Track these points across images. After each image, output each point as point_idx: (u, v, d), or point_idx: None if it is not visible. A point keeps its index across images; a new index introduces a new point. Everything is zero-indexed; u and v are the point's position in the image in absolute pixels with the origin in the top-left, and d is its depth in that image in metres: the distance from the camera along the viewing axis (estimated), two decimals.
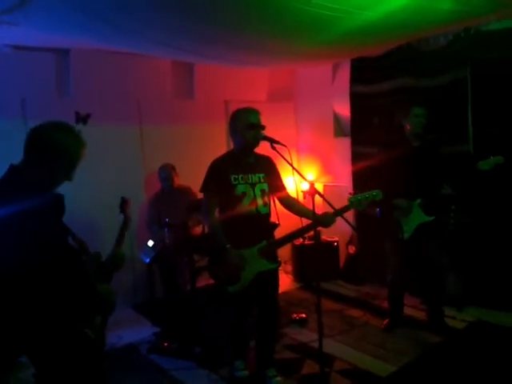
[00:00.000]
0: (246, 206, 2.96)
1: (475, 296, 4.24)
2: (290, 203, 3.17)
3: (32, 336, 1.85)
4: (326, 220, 2.85)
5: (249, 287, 2.99)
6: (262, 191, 3.03)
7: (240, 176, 2.98)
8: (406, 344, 3.68)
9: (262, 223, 3.04)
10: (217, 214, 3.05)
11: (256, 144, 3.00)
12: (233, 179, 2.96)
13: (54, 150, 1.90)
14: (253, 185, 3.00)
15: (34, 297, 1.78)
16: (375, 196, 2.86)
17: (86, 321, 1.97)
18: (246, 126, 2.94)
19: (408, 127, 3.74)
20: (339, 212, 2.85)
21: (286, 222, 3.17)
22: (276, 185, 3.14)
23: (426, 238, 3.72)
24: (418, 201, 3.65)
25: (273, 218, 3.14)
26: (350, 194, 2.95)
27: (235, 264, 2.90)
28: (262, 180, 3.05)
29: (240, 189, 2.96)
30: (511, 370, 3.15)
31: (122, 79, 4.70)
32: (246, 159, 3.05)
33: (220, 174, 2.99)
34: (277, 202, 3.19)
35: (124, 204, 2.66)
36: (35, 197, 1.81)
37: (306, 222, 3.05)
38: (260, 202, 3.01)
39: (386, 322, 4.03)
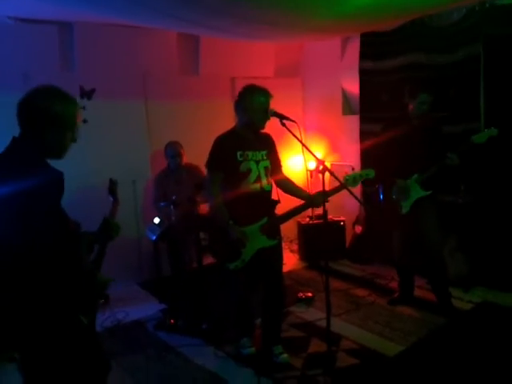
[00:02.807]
0: (251, 183, 2.96)
1: (482, 277, 4.22)
2: (284, 184, 3.19)
3: (22, 328, 1.76)
4: (317, 200, 2.88)
5: (250, 264, 3.00)
6: (266, 168, 3.05)
7: (245, 153, 2.98)
8: (412, 324, 3.67)
9: (264, 200, 3.05)
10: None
11: (263, 127, 3.04)
12: (238, 156, 2.96)
13: (51, 119, 1.80)
14: (257, 162, 3.01)
15: (22, 284, 1.69)
16: (368, 174, 2.99)
17: (82, 309, 1.90)
18: (255, 108, 2.93)
19: (411, 108, 3.70)
20: (332, 192, 2.89)
21: (286, 198, 3.19)
22: (274, 165, 3.15)
23: (424, 215, 3.73)
24: (415, 176, 3.66)
25: (273, 195, 3.14)
26: (346, 173, 3.04)
27: (237, 240, 2.91)
28: (265, 157, 3.06)
29: (245, 165, 2.96)
30: None
31: (126, 53, 4.61)
32: (249, 136, 3.04)
33: (225, 150, 2.98)
34: None
35: (113, 186, 2.47)
36: (35, 173, 1.72)
37: None
38: (264, 179, 3.02)
39: (394, 295, 4.09)
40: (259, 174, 2.99)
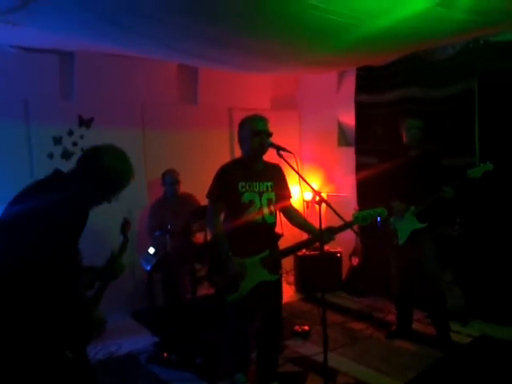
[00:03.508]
0: (252, 215, 2.91)
1: (480, 310, 4.18)
2: (291, 215, 3.14)
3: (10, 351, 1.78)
4: (324, 237, 2.82)
5: (249, 297, 2.93)
6: (269, 200, 2.98)
7: (248, 184, 2.93)
8: (410, 358, 3.60)
9: (266, 233, 2.99)
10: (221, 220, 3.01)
11: (263, 151, 2.95)
12: (240, 187, 2.91)
13: (105, 172, 1.95)
14: (260, 193, 2.96)
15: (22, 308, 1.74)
16: (380, 213, 2.89)
17: (69, 343, 1.89)
18: (252, 133, 2.90)
19: (404, 138, 3.77)
20: (340, 229, 2.85)
21: (290, 231, 3.13)
22: (282, 194, 3.09)
23: (421, 246, 3.72)
24: (411, 208, 3.66)
25: (277, 228, 3.08)
26: (355, 209, 2.96)
27: (236, 273, 2.85)
28: (270, 189, 3.00)
29: (247, 197, 2.91)
30: None
31: (126, 83, 4.67)
32: (255, 167, 3.00)
33: (228, 180, 2.95)
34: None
35: (125, 225, 2.56)
36: (65, 204, 1.82)
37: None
38: (266, 211, 2.96)
39: (392, 329, 4.02)
40: (261, 205, 2.94)
